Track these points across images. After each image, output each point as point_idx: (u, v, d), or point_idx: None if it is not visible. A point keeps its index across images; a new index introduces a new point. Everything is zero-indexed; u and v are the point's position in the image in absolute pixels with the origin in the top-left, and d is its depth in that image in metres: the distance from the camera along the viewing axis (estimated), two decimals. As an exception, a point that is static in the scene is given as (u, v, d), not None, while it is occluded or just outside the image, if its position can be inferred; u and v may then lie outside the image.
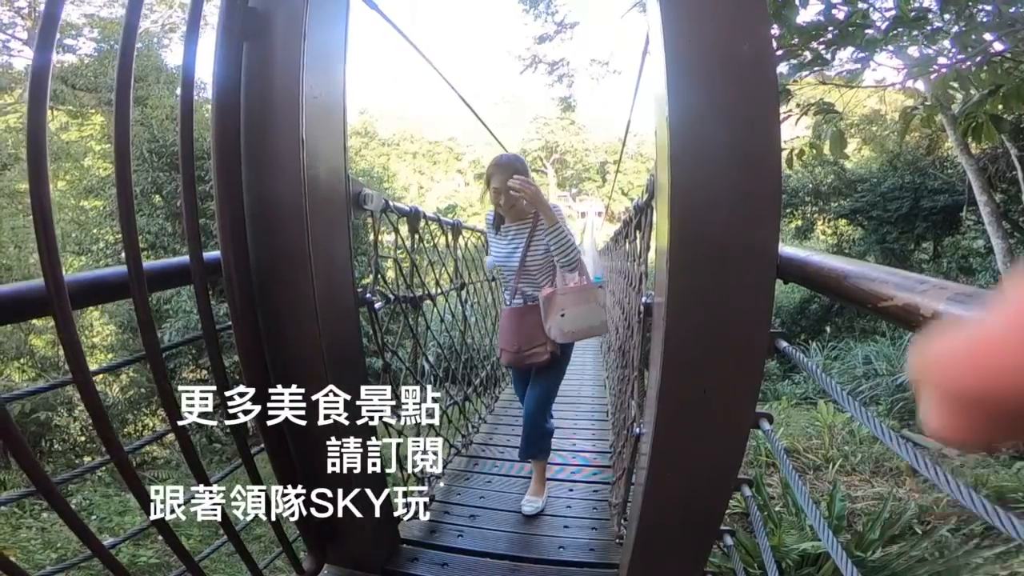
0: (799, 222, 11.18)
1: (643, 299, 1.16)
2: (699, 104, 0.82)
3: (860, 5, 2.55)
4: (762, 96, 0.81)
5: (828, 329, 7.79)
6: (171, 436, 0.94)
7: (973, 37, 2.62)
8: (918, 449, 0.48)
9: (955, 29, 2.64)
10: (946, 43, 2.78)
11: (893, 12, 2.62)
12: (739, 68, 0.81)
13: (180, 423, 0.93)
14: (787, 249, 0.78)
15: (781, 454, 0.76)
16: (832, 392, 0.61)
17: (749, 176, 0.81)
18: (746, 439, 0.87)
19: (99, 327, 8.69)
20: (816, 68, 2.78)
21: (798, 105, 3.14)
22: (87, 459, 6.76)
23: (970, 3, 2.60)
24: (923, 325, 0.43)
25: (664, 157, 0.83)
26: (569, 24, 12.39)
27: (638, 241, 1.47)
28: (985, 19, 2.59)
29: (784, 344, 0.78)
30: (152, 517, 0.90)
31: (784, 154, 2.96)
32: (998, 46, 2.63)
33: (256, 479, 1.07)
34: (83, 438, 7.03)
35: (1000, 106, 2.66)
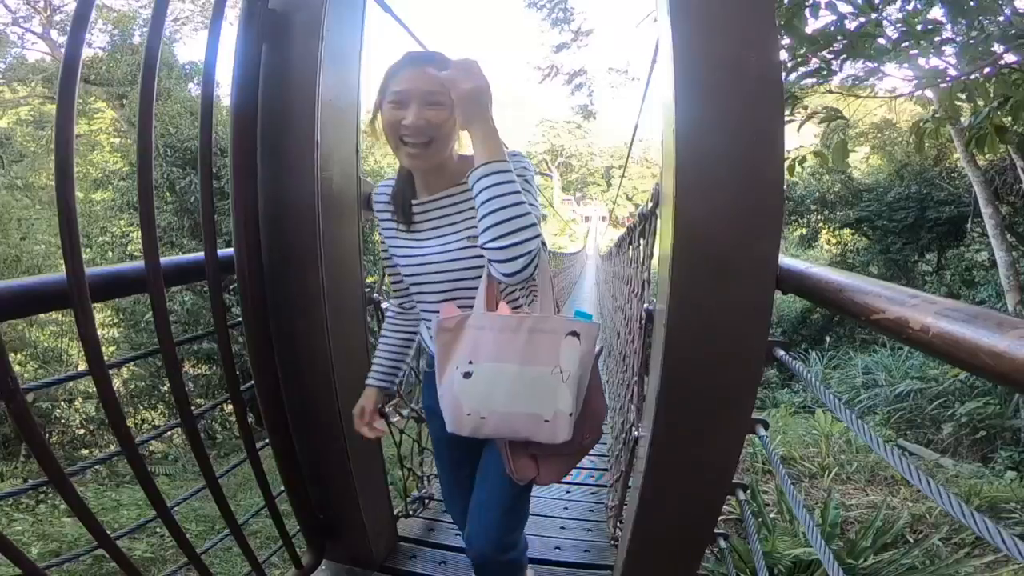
0: (803, 230, 11.19)
1: (646, 306, 1.18)
2: (706, 115, 0.83)
3: (872, 15, 2.56)
4: (768, 109, 0.83)
5: (828, 339, 7.80)
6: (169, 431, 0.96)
7: (980, 49, 2.63)
8: (910, 459, 0.50)
9: (961, 39, 2.65)
10: (952, 54, 2.79)
11: (903, 24, 2.63)
12: (746, 80, 0.83)
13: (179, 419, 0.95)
14: (787, 260, 0.80)
15: (776, 460, 0.78)
16: (826, 401, 0.63)
17: (753, 187, 0.82)
18: (742, 444, 0.89)
19: (99, 317, 8.74)
20: (823, 79, 2.79)
21: (804, 108, 3.15)
22: (85, 452, 6.78)
23: (981, 16, 2.61)
24: (912, 337, 0.45)
25: (670, 166, 0.85)
26: (585, 32, 12.43)
27: (642, 248, 1.48)
28: (995, 29, 2.60)
29: (781, 353, 0.80)
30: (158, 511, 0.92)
31: (787, 162, 2.98)
32: (1009, 57, 2.64)
33: (260, 474, 1.09)
34: (82, 431, 7.06)
35: (1009, 118, 2.67)
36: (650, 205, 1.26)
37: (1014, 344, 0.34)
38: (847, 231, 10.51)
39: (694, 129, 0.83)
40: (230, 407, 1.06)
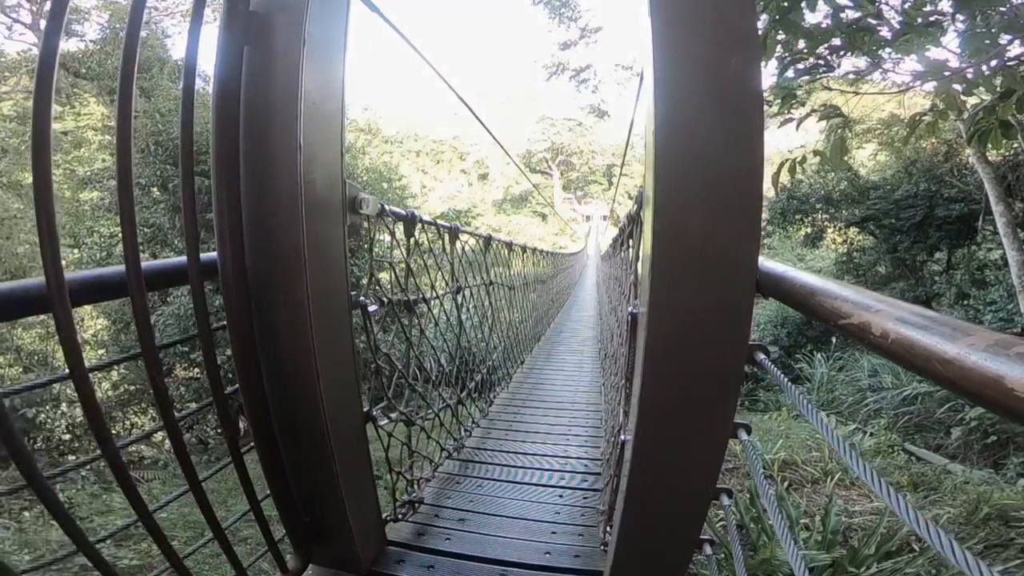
0: (808, 229, 11.03)
1: (631, 309, 1.17)
2: (685, 117, 0.83)
3: (870, 6, 2.51)
4: (747, 111, 0.82)
5: (834, 340, 7.69)
6: (159, 436, 0.96)
7: (987, 41, 2.58)
8: (867, 462, 0.48)
9: (964, 29, 2.60)
10: (957, 46, 2.74)
11: (905, 16, 2.58)
12: (726, 82, 0.82)
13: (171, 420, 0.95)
14: (767, 263, 0.79)
15: (756, 465, 0.77)
16: (800, 406, 0.61)
17: (733, 190, 0.81)
18: (724, 449, 0.88)
19: (89, 322, 8.62)
20: (822, 75, 2.76)
21: (802, 104, 3.11)
22: (71, 458, 6.70)
23: (985, 8, 2.56)
24: (874, 343, 0.44)
25: (651, 168, 0.84)
26: (593, 29, 12.34)
27: (630, 250, 1.47)
28: (1001, 18, 2.54)
29: (761, 356, 0.78)
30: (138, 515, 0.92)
31: (788, 164, 2.94)
32: (1015, 49, 2.58)
33: (245, 478, 1.09)
34: (68, 436, 6.93)
35: (1016, 112, 2.61)
36: (635, 208, 1.25)
37: (963, 351, 0.33)
38: (853, 230, 10.34)
39: (674, 131, 0.82)
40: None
